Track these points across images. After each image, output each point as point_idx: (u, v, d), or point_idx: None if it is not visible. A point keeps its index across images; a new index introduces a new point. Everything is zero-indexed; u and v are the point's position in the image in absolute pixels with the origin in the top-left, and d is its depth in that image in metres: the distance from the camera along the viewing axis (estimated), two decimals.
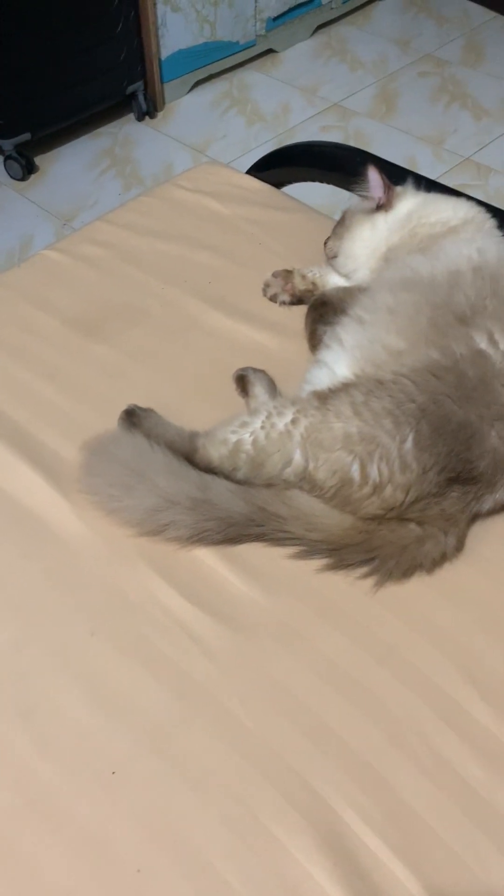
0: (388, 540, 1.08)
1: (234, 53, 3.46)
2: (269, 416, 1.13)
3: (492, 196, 2.88)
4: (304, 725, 0.95)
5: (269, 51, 3.61)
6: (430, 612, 1.06)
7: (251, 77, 3.51)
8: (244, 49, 3.49)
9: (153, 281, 1.53)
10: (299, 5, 3.59)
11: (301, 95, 3.40)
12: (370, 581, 1.08)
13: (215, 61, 3.41)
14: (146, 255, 1.59)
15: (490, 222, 1.36)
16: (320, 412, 1.11)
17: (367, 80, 3.49)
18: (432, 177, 2.96)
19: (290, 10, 3.57)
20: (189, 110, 3.33)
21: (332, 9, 3.78)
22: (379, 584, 1.07)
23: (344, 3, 3.82)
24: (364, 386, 1.12)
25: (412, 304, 1.18)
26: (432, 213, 1.36)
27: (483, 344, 1.13)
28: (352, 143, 3.14)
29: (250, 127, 3.25)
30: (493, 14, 3.91)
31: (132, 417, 1.22)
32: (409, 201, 1.39)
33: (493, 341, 1.13)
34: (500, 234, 1.36)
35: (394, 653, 1.02)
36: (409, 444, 1.06)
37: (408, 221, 1.36)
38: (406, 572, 1.08)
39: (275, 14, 3.51)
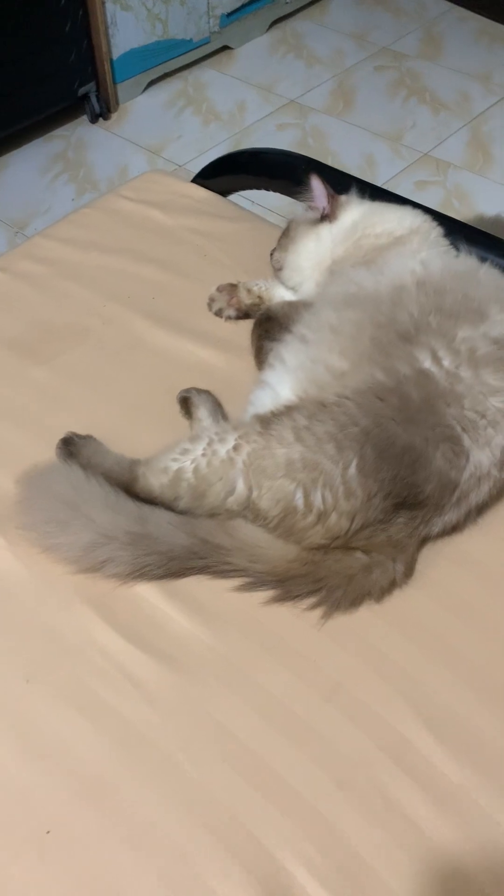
0: (334, 570, 1.04)
1: (187, 51, 3.39)
2: (210, 443, 1.09)
3: (451, 191, 2.85)
4: (248, 771, 0.92)
5: (224, 48, 3.55)
6: (380, 642, 1.03)
7: (206, 75, 3.45)
8: (198, 46, 3.42)
9: (95, 298, 1.48)
10: (253, 0, 3.53)
11: (257, 93, 3.35)
12: (317, 613, 1.04)
13: (169, 60, 3.34)
14: (88, 270, 1.54)
15: (436, 231, 1.32)
16: (263, 438, 1.07)
17: (323, 76, 3.44)
18: (391, 174, 2.93)
19: (244, 5, 3.51)
20: (143, 111, 3.27)
21: (286, 3, 3.72)
22: (326, 615, 1.04)
23: None
24: (307, 409, 1.08)
25: (355, 322, 1.14)
26: (377, 224, 1.32)
27: (427, 363, 1.10)
28: (309, 141, 3.10)
29: (206, 126, 3.19)
30: (449, 5, 3.87)
31: (70, 446, 1.17)
32: (354, 211, 1.35)
33: (436, 359, 1.10)
34: (447, 242, 1.32)
35: (341, 689, 0.98)
36: (352, 469, 1.03)
37: (353, 232, 1.32)
38: (354, 602, 1.05)
39: (228, 10, 3.45)
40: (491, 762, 0.93)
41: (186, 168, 2.93)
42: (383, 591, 1.06)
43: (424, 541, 1.10)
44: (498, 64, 3.48)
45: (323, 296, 1.26)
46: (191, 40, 3.37)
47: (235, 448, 1.08)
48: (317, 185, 1.35)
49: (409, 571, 1.07)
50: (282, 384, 1.15)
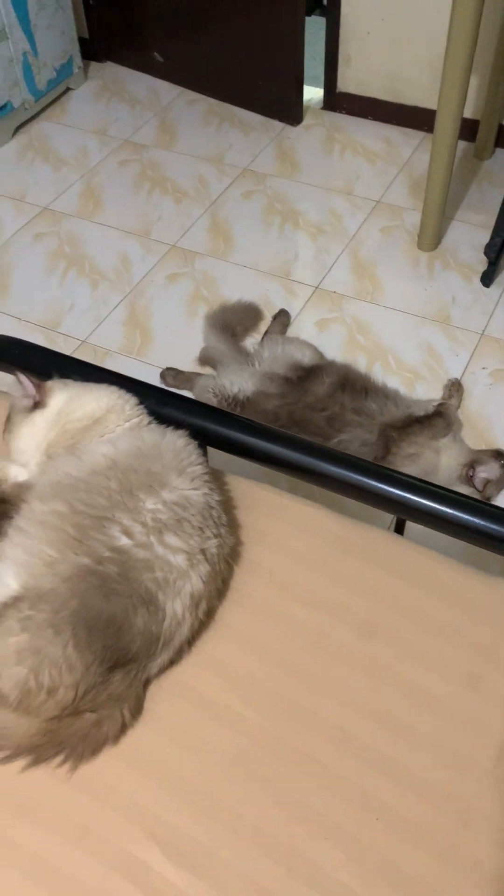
0: (70, 732, 1.26)
1: None
2: None
3: (199, 281, 3.15)
4: None
5: None
6: (117, 781, 1.26)
7: None
8: None
9: None
10: None
11: (10, 205, 3.53)
12: (66, 768, 1.26)
13: None
14: None
15: (130, 406, 1.55)
16: None
17: (71, 178, 3.66)
18: (145, 270, 3.19)
19: None
20: None
21: (26, 109, 3.92)
22: (72, 769, 1.26)
23: (37, 100, 3.97)
24: (28, 599, 1.29)
25: (58, 513, 1.36)
26: (77, 408, 1.54)
27: (122, 540, 1.33)
28: (66, 248, 3.31)
29: None
30: (179, 89, 4.19)
31: None
32: (59, 397, 1.56)
33: (129, 534, 1.34)
34: (143, 413, 1.56)
35: (88, 831, 1.21)
36: (70, 648, 1.25)
37: (59, 419, 1.54)
38: (94, 751, 1.27)
39: None
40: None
41: None
42: (116, 737, 1.29)
43: (148, 682, 1.35)
44: (226, 145, 3.82)
45: (39, 484, 1.47)
46: None
47: None
48: (22, 378, 1.56)
49: (136, 712, 1.31)
50: (7, 574, 1.36)
